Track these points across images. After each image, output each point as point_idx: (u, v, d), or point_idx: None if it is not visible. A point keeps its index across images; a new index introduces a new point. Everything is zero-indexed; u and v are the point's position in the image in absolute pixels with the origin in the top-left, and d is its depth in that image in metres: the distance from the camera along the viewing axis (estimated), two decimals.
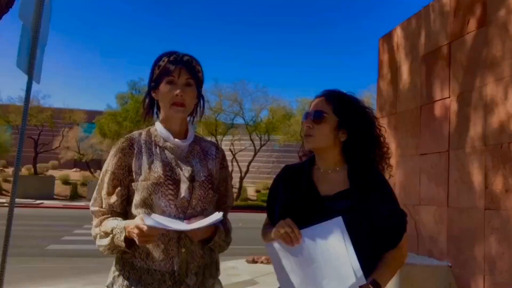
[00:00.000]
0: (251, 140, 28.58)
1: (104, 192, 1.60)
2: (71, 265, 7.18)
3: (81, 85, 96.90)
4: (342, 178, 1.63)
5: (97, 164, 37.67)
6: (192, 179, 1.59)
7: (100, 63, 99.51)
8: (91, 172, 33.36)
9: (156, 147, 1.64)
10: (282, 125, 30.02)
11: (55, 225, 12.57)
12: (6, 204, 16.86)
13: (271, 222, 1.69)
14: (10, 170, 29.20)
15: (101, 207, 1.60)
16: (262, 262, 7.03)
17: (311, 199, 1.57)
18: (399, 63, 4.76)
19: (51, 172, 30.91)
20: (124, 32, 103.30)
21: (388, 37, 5.05)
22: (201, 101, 1.76)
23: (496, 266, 3.22)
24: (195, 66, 1.65)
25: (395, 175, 4.40)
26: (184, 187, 1.56)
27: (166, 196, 1.53)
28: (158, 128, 1.68)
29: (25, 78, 3.61)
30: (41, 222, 12.97)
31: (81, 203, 21.93)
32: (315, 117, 1.63)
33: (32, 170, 29.03)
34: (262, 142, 29.32)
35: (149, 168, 1.57)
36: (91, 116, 34.92)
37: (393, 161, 1.81)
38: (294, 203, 1.59)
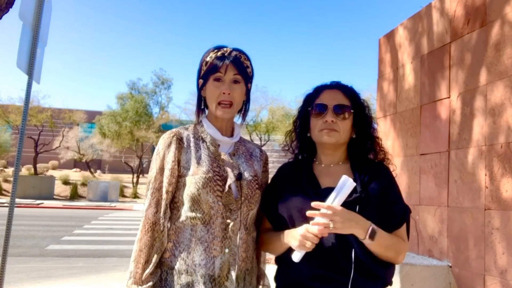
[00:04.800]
0: (251, 140, 28.61)
1: (164, 191, 1.50)
2: (71, 265, 7.17)
3: (81, 85, 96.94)
4: (345, 171, 1.57)
5: (97, 164, 37.73)
6: (239, 177, 1.54)
7: (101, 63, 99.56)
8: (91, 172, 33.38)
9: (203, 143, 1.57)
10: (281, 125, 30.06)
11: (55, 225, 12.56)
12: (6, 204, 16.87)
13: (272, 225, 1.62)
14: (10, 170, 29.20)
15: (160, 211, 1.49)
16: None
17: (312, 191, 1.52)
18: (400, 62, 4.76)
19: (51, 172, 30.91)
20: (124, 32, 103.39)
21: (388, 37, 5.05)
22: (248, 99, 1.67)
23: (496, 266, 3.22)
24: (243, 62, 1.58)
25: (395, 175, 4.39)
26: (232, 184, 1.51)
27: (215, 192, 1.48)
28: (205, 124, 1.61)
29: (25, 78, 3.61)
30: (41, 222, 12.96)
31: (81, 203, 21.91)
32: (341, 111, 1.56)
33: (32, 170, 29.01)
34: (262, 142, 29.36)
35: (198, 162, 1.51)
36: (91, 116, 34.95)
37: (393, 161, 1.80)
38: (295, 199, 1.53)
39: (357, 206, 1.43)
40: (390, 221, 1.51)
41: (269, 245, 1.61)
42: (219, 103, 1.55)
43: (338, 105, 1.56)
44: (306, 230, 1.39)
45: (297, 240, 1.40)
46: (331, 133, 1.55)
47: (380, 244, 1.42)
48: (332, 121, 1.55)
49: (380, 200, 1.50)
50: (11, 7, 3.48)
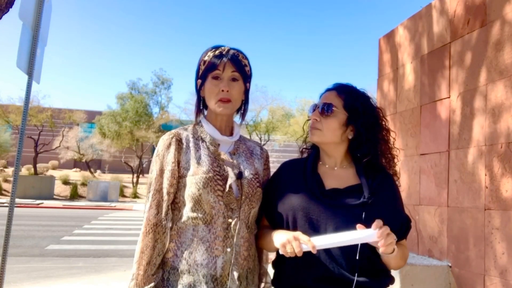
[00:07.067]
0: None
1: (165, 192, 1.50)
2: (71, 265, 7.17)
3: (81, 83, 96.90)
4: (350, 174, 1.57)
5: (97, 164, 37.73)
6: (239, 176, 1.53)
7: (101, 63, 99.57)
8: (91, 172, 33.37)
9: (202, 143, 1.57)
10: (281, 125, 30.09)
11: (54, 225, 12.56)
12: (6, 204, 16.87)
13: (269, 223, 1.61)
14: (10, 170, 29.22)
15: (161, 213, 1.49)
16: None
17: (318, 192, 1.50)
18: (400, 62, 4.76)
19: (51, 172, 30.90)
20: (124, 30, 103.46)
21: (388, 37, 5.05)
22: (247, 100, 1.67)
23: (496, 266, 3.22)
24: (241, 60, 1.58)
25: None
26: (232, 184, 1.51)
27: (215, 192, 1.47)
28: (205, 124, 1.61)
29: (25, 78, 3.61)
30: (40, 222, 12.96)
31: (81, 203, 21.90)
32: (324, 110, 1.56)
33: (32, 170, 29.01)
34: (262, 142, 29.35)
35: (198, 162, 1.51)
36: (91, 116, 34.96)
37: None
38: (300, 198, 1.51)
39: (363, 213, 1.43)
40: (397, 232, 1.49)
41: (262, 240, 1.60)
42: (218, 100, 1.55)
43: (322, 104, 1.57)
44: (293, 237, 1.36)
45: (286, 238, 1.36)
46: (313, 131, 1.57)
47: (396, 255, 1.44)
48: (316, 119, 1.56)
49: (385, 210, 1.49)
50: (11, 7, 3.47)
